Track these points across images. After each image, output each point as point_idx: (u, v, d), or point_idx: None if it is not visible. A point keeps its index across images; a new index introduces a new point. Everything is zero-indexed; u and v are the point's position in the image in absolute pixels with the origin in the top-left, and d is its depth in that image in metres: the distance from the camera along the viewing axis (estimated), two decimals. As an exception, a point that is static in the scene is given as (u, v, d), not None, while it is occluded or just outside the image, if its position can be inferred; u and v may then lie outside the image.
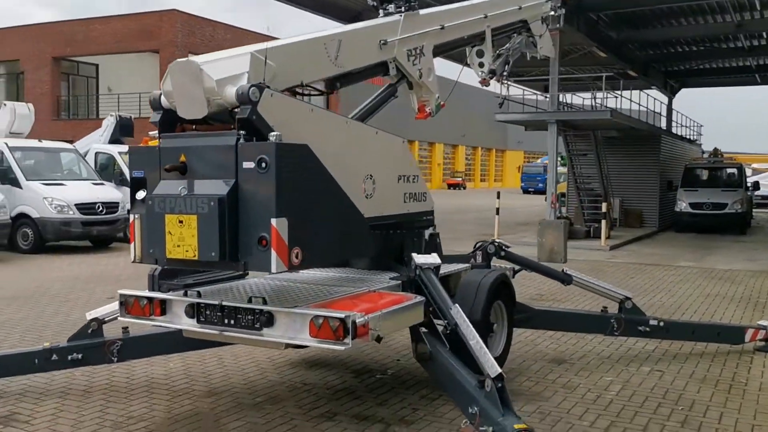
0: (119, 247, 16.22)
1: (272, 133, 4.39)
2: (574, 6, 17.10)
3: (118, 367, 6.59)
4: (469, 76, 8.02)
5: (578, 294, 9.84)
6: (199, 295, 5.00)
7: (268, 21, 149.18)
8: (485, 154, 74.84)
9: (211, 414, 5.44)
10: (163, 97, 4.68)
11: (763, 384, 6.36)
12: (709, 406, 5.76)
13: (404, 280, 5.79)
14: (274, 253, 4.33)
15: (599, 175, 21.62)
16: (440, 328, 5.22)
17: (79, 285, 11.20)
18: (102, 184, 16.54)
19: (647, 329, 7.14)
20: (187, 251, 4.47)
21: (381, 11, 6.24)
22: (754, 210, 26.03)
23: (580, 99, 22.71)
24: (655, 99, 26.39)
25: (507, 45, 7.99)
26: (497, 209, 18.91)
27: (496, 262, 7.10)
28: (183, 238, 4.47)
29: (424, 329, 5.56)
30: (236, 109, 4.45)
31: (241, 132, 4.41)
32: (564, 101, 20.65)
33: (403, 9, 6.16)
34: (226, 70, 4.50)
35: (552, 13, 8.49)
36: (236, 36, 35.13)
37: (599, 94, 20.34)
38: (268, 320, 4.66)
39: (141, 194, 4.77)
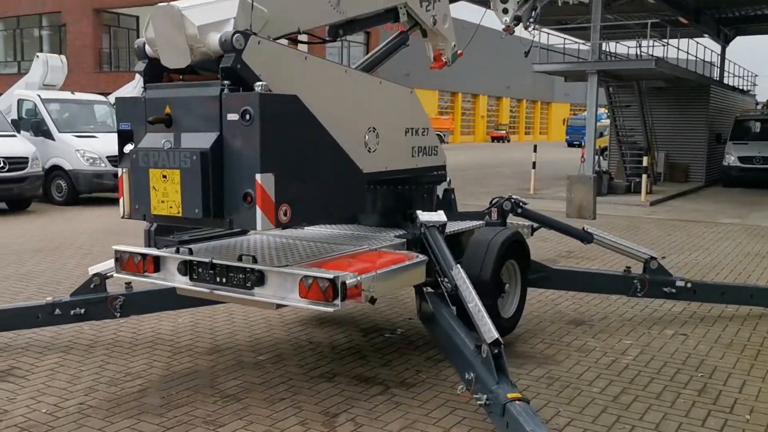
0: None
1: (258, 83, 4.14)
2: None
3: (126, 322, 6.55)
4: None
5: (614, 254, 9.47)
6: (190, 252, 4.86)
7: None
8: (530, 107, 73.33)
9: (208, 372, 5.34)
10: (147, 45, 4.47)
11: (793, 351, 6.00)
12: (732, 373, 5.44)
13: (410, 238, 5.57)
14: (259, 210, 4.12)
15: (643, 127, 20.84)
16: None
17: (105, 238, 11.23)
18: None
19: (673, 290, 6.79)
20: (171, 207, 4.30)
21: None
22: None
23: (624, 48, 21.85)
24: (706, 48, 25.23)
25: (533, -13, 7.56)
26: (533, 163, 18.47)
27: (512, 220, 6.82)
28: (167, 194, 4.30)
29: (429, 289, 5.36)
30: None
31: (226, 82, 4.18)
32: (607, 50, 19.85)
33: None
34: (210, 15, 4.24)
35: None
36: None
37: (645, 43, 19.49)
38: (259, 279, 4.49)
39: (129, 147, 4.60)
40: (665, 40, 20.60)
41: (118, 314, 5.83)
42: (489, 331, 4.25)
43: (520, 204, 6.62)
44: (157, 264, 4.96)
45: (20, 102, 16.29)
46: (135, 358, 5.64)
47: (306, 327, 6.56)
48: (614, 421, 4.53)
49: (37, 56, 17.16)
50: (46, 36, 40.01)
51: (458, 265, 4.94)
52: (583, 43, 22.02)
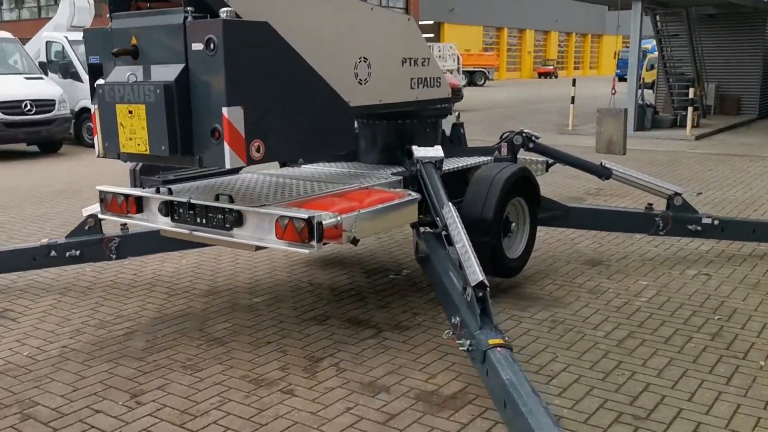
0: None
1: (224, 9, 3.85)
2: None
3: (129, 264, 6.48)
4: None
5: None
6: (170, 192, 4.66)
7: None
8: (580, 41, 70.89)
9: (200, 314, 5.21)
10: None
11: (824, 292, 5.58)
12: (752, 316, 5.07)
13: (407, 175, 5.28)
14: (227, 147, 3.88)
15: (692, 58, 19.78)
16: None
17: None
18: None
19: (698, 228, 6.37)
20: (138, 145, 4.09)
21: None
22: None
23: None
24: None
25: None
26: (572, 98, 17.79)
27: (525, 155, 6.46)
28: (134, 131, 4.09)
29: (428, 229, 5.10)
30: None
31: (189, 9, 3.90)
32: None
33: None
34: (171, -66, 3.95)
35: None
36: None
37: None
38: (237, 220, 4.28)
39: (100, 82, 4.38)
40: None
41: (114, 256, 5.72)
42: (474, 273, 3.98)
43: (532, 138, 6.24)
44: (140, 205, 4.79)
45: (48, 44, 16.27)
46: (129, 300, 5.55)
47: (309, 268, 6.38)
48: (614, 367, 4.24)
49: (64, -2, 17.05)
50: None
51: (450, 204, 4.66)
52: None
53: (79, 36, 16.10)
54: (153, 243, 5.88)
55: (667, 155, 13.43)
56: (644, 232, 6.50)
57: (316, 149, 4.86)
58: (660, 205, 6.51)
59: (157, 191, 4.70)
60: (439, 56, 27.39)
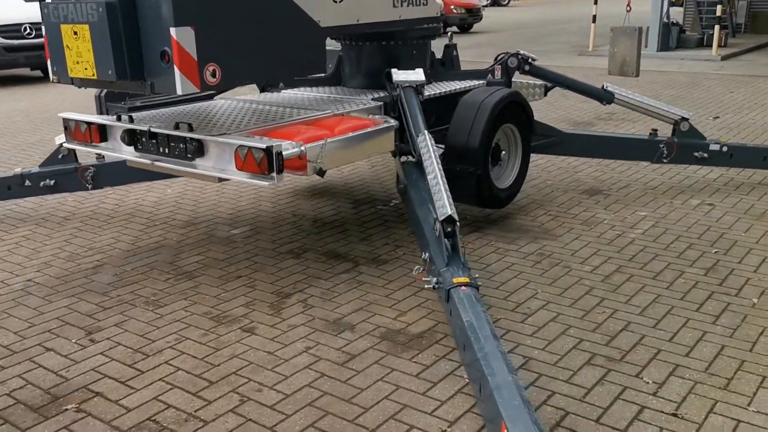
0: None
1: None
2: None
3: (113, 193, 6.33)
4: None
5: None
6: (131, 120, 4.42)
7: None
8: (612, -45, 67.98)
9: (174, 247, 5.05)
10: None
11: (834, 223, 5.25)
12: (752, 249, 4.78)
13: (387, 101, 4.98)
14: (177, 71, 3.62)
15: (722, -29, 18.73)
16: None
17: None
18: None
19: (705, 155, 6.01)
20: (86, 69, 3.84)
21: None
22: None
23: None
24: None
25: None
26: (593, 17, 17.04)
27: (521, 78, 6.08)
28: (80, 54, 3.83)
29: (410, 158, 4.84)
30: None
31: None
32: None
33: None
34: None
35: None
36: None
37: None
38: (198, 149, 4.04)
39: (46, 1, 4.09)
40: None
41: (90, 186, 5.55)
42: (443, 206, 3.72)
43: (529, 60, 5.85)
44: (103, 133, 4.56)
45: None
46: (105, 232, 5.40)
47: (295, 199, 6.17)
48: (595, 305, 4.01)
49: None
50: None
51: (426, 131, 4.36)
52: None
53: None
54: (131, 172, 5.62)
55: (688, 77, 12.83)
56: (647, 159, 6.16)
57: (282, 73, 4.56)
58: (666, 132, 6.15)
59: (119, 119, 4.46)
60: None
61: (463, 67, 6.29)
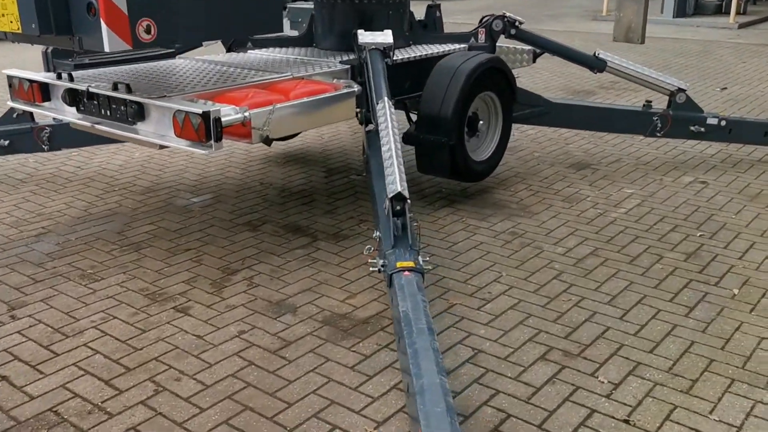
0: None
1: None
2: None
3: (77, 154, 6.07)
4: None
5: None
6: (71, 78, 4.12)
7: None
8: None
9: (128, 215, 4.78)
10: None
11: (834, 207, 4.89)
12: (740, 233, 4.44)
13: (355, 64, 4.64)
14: (104, 26, 3.30)
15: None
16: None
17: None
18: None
19: (701, 129, 5.64)
20: (11, 22, 3.53)
21: None
22: None
23: None
24: None
25: None
26: (607, -21, 16.38)
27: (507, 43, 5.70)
28: (5, 5, 3.52)
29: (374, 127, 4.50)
30: None
31: None
32: None
33: None
34: None
35: None
36: None
37: None
38: (138, 113, 3.75)
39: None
40: None
41: (47, 147, 5.27)
42: (393, 182, 3.40)
43: (516, 24, 5.47)
44: (46, 92, 4.27)
45: None
46: (59, 196, 5.14)
47: (267, 166, 5.87)
48: (561, 292, 3.71)
49: None
50: None
51: (386, 98, 4.03)
52: None
53: None
54: (90, 134, 5.39)
55: (701, 45, 12.29)
56: (640, 133, 5.80)
57: (231, 31, 4.22)
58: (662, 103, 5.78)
59: (59, 77, 4.16)
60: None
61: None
